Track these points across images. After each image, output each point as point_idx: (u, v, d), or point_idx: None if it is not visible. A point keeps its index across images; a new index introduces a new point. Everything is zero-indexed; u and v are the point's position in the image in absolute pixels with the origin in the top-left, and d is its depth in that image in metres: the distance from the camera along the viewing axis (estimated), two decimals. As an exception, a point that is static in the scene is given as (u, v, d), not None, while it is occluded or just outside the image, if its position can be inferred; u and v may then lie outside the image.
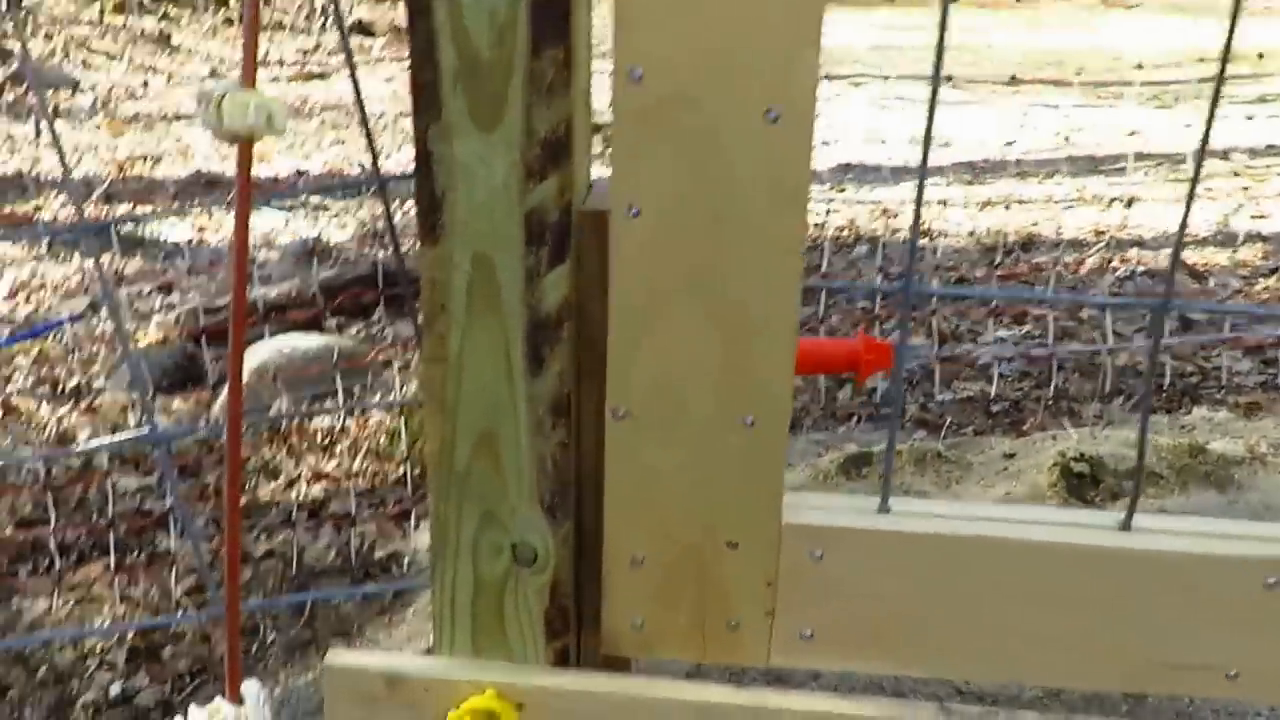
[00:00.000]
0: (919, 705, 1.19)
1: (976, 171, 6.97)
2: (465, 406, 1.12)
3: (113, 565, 2.75)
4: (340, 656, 1.21)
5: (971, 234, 5.68)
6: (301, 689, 2.17)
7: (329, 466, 3.37)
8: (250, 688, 1.15)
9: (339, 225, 5.91)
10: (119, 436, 3.50)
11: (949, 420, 3.77)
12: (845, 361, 1.38)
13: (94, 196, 6.20)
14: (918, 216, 1.01)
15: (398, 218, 5.68)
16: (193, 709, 1.13)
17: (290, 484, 3.31)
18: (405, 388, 3.80)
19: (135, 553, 2.94)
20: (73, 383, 3.99)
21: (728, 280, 1.04)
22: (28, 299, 4.81)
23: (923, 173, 1.01)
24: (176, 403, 3.85)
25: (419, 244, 1.05)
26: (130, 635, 2.50)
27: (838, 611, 1.18)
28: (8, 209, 6.07)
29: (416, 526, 2.97)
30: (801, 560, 1.15)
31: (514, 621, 1.20)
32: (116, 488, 3.12)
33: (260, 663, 2.48)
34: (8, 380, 3.96)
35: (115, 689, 2.37)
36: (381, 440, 3.41)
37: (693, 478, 1.13)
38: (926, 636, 1.18)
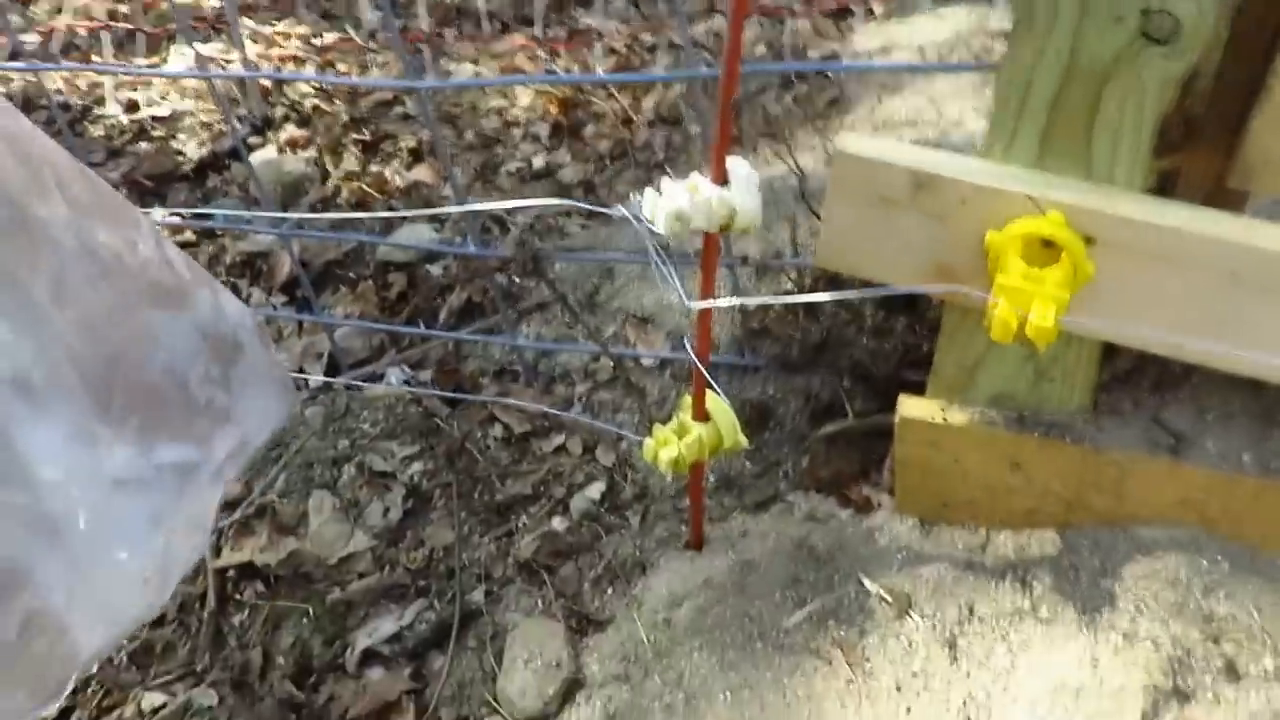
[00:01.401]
0: None
1: None
2: None
3: (539, 36, 2.62)
4: (856, 143, 0.93)
5: None
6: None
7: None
8: (738, 166, 0.90)
9: None
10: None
11: None
12: None
13: None
14: None
15: None
16: (666, 183, 0.91)
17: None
18: None
19: (557, 26, 2.80)
20: None
21: None
22: None
23: None
24: None
25: None
26: (553, 109, 2.40)
27: None
28: None
29: (855, 28, 2.59)
30: None
31: (1109, 125, 0.86)
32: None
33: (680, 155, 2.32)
34: None
35: (539, 161, 2.31)
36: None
37: None
38: None
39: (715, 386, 1.07)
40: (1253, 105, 0.83)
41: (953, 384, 1.10)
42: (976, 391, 1.10)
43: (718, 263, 0.99)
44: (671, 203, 0.91)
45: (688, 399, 1.10)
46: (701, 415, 1.09)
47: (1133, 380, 1.07)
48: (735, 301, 0.95)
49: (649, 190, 0.93)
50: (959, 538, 1.19)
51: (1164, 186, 0.89)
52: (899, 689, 1.09)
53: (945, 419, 1.10)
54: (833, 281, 1.27)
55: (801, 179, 1.39)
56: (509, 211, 2.16)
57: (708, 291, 0.98)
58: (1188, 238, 0.86)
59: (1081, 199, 0.88)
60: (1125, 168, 0.88)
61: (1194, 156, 0.90)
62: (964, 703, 1.06)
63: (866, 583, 1.16)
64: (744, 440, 1.10)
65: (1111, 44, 0.82)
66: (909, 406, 1.12)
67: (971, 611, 1.12)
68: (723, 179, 0.91)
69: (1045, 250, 0.90)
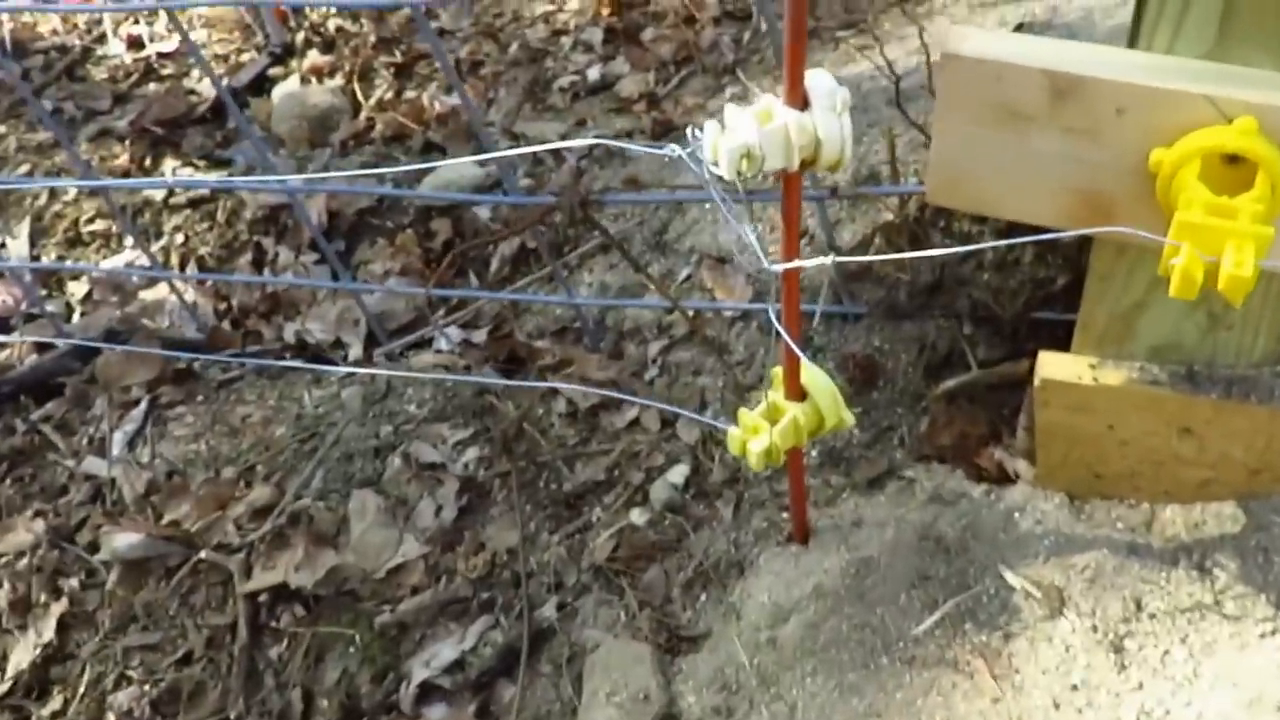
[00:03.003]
0: None
1: None
2: None
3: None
4: (971, 40, 0.77)
5: None
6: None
7: None
8: (820, 81, 0.75)
9: None
10: None
11: None
12: None
13: None
14: None
15: None
16: (730, 110, 0.77)
17: None
18: None
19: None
20: None
21: None
22: None
23: None
24: None
25: None
26: (606, 11, 2.23)
27: None
28: None
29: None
30: None
31: (1317, -4, 0.68)
32: None
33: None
34: None
35: (594, 73, 2.16)
36: None
37: None
38: None
39: (808, 361, 0.93)
40: None
41: (1105, 335, 0.94)
42: (1135, 343, 0.94)
43: (801, 205, 0.84)
44: (737, 138, 0.76)
45: (778, 373, 0.96)
46: (796, 394, 0.95)
47: (1341, 319, 0.90)
48: (824, 261, 0.80)
49: (709, 124, 0.78)
50: (1117, 515, 1.05)
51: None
52: (1056, 706, 0.96)
53: (1096, 379, 0.94)
54: (943, 212, 1.12)
55: (896, 81, 1.22)
56: (562, 135, 2.02)
57: (791, 249, 0.84)
58: None
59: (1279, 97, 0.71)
60: (1340, 51, 0.71)
61: None
62: None
63: (1009, 576, 1.02)
64: (849, 417, 0.97)
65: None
66: (1050, 365, 0.96)
67: (1139, 607, 0.98)
68: (801, 101, 0.76)
69: (1233, 169, 0.73)
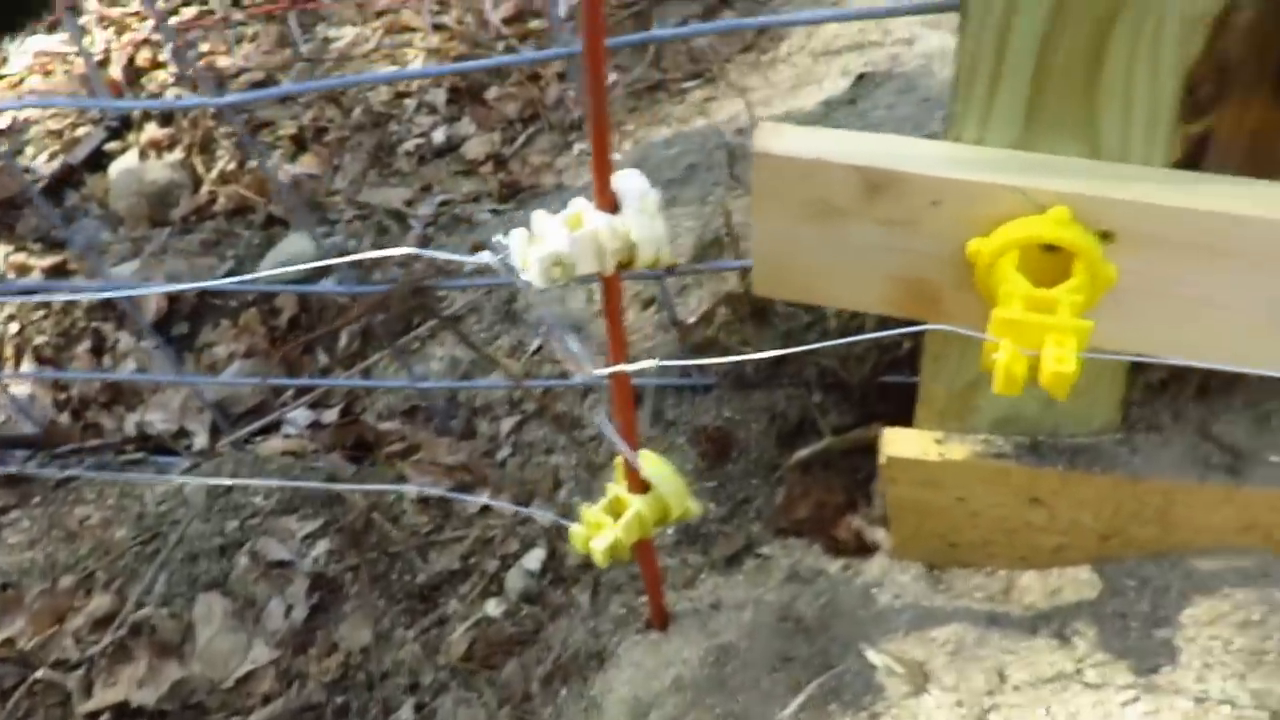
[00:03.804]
0: None
1: None
2: None
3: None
4: (782, 138, 0.74)
5: None
6: (658, 147, 1.78)
7: None
8: (630, 182, 0.71)
9: None
10: None
11: None
12: None
13: None
14: None
15: None
16: (537, 217, 0.72)
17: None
18: None
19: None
20: None
21: None
22: None
23: None
24: None
25: None
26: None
27: None
28: None
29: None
30: None
31: (1119, 82, 0.68)
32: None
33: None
34: None
35: (439, 135, 2.10)
36: None
37: None
38: None
39: (649, 454, 0.89)
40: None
41: (946, 410, 0.92)
42: (977, 417, 0.92)
43: (622, 305, 0.80)
44: (547, 246, 0.72)
45: (620, 463, 0.92)
46: (639, 487, 0.91)
47: (1171, 389, 0.89)
48: (650, 364, 0.76)
49: (516, 231, 0.74)
50: (975, 583, 1.03)
51: (1194, 157, 0.70)
52: (924, 784, 0.93)
53: (942, 454, 0.92)
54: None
55: (730, 154, 1.19)
56: (408, 201, 1.96)
57: (618, 353, 0.79)
58: (1236, 222, 0.68)
59: (1090, 185, 0.69)
60: (1143, 138, 0.69)
61: (1227, 110, 0.71)
62: (1006, 797, 0.90)
63: (870, 653, 0.99)
64: (695, 507, 0.93)
65: (1112, -21, 0.63)
66: (895, 442, 0.94)
67: (1002, 678, 0.95)
68: (611, 204, 0.72)
69: (1050, 256, 0.71)
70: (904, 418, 0.98)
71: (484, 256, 0.76)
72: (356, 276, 1.61)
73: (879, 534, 1.11)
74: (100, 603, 1.33)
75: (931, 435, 0.94)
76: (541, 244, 0.71)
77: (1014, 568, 1.01)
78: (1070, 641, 0.95)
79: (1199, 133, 0.70)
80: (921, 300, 0.78)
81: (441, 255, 0.78)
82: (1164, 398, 0.89)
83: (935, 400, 0.92)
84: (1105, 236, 0.71)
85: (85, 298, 1.77)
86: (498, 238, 0.74)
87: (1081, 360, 0.66)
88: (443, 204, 1.89)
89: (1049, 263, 0.71)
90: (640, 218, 0.72)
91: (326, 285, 1.69)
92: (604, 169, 0.70)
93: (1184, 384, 0.89)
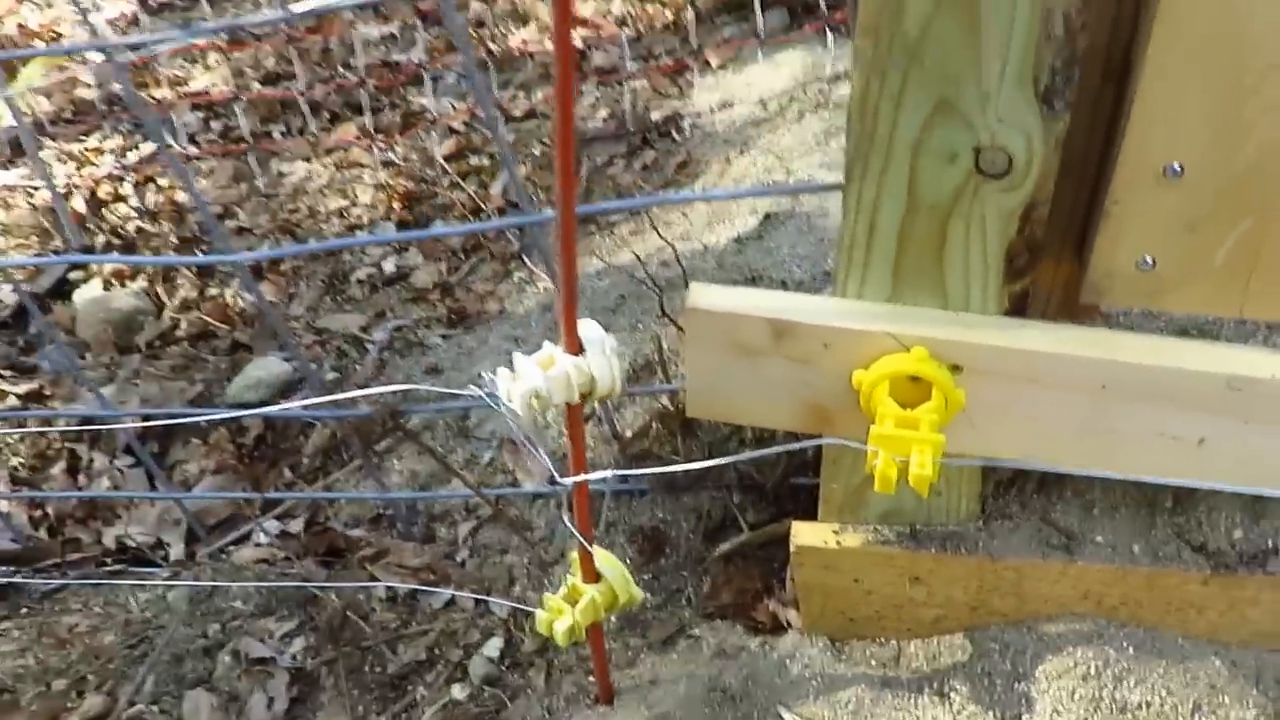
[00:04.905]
0: None
1: None
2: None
3: (368, 126, 2.58)
4: (707, 296, 0.94)
5: None
6: (591, 279, 1.98)
7: (586, 10, 3.02)
8: (592, 331, 0.90)
9: None
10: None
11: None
12: None
13: None
14: None
15: None
16: (519, 360, 0.90)
17: (544, 31, 2.99)
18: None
19: (389, 110, 2.77)
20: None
21: None
22: None
23: None
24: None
25: None
26: (397, 205, 2.37)
27: None
28: None
29: (694, 84, 2.63)
30: None
31: (959, 255, 0.89)
32: (359, 38, 2.89)
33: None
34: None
35: (389, 265, 2.28)
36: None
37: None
38: None
39: (600, 550, 1.07)
40: (1093, 225, 0.86)
41: (842, 506, 1.12)
42: (867, 511, 1.11)
43: (583, 424, 0.98)
44: (527, 383, 0.90)
45: (576, 558, 1.09)
46: (592, 577, 1.08)
47: (1017, 484, 1.10)
48: (607, 474, 0.95)
49: (501, 370, 0.92)
50: (871, 653, 1.21)
51: (1020, 305, 0.92)
52: (831, 827, 1.09)
53: (839, 543, 1.11)
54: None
55: (659, 292, 1.39)
56: (363, 327, 2.13)
57: (579, 464, 0.97)
58: (1050, 358, 0.89)
59: (941, 330, 0.90)
60: (979, 294, 0.91)
61: (1041, 271, 0.93)
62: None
63: (786, 716, 1.16)
64: (639, 594, 1.10)
65: (949, 181, 0.84)
66: (803, 533, 1.13)
67: (895, 732, 1.13)
68: (576, 348, 0.90)
69: (914, 384, 0.92)
70: (810, 513, 1.17)
71: (475, 391, 0.94)
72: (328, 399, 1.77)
73: (791, 614, 1.30)
74: (93, 703, 1.45)
75: (830, 527, 1.13)
76: (523, 381, 0.89)
77: (902, 637, 1.19)
78: (949, 698, 1.13)
79: (1022, 289, 0.91)
80: (819, 419, 0.98)
81: (437, 390, 0.95)
82: (1012, 491, 1.10)
83: (833, 498, 1.11)
84: (955, 369, 0.91)
85: (107, 427, 1.89)
86: (486, 374, 0.92)
87: (938, 465, 0.86)
88: (396, 329, 2.07)
89: (914, 389, 0.91)
90: (600, 359, 0.90)
91: (294, 407, 1.84)
92: (572, 321, 0.88)
93: (1027, 480, 1.10)
